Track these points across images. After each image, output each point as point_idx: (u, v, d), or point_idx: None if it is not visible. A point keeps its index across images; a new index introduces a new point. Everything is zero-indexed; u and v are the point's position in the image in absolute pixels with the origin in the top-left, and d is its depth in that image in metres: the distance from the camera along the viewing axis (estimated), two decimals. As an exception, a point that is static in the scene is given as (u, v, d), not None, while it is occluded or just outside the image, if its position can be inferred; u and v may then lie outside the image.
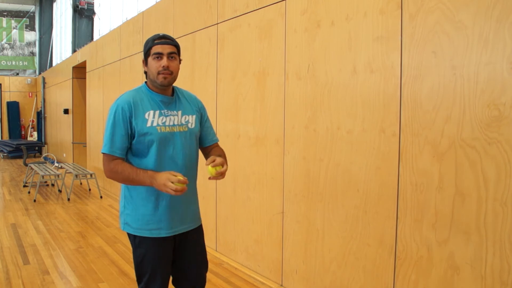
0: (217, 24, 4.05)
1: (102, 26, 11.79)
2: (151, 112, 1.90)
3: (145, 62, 1.96)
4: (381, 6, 2.44)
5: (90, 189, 7.74)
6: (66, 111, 10.81)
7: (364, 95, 2.56)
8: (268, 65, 3.35)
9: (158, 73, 1.89)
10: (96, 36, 12.14)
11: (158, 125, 1.89)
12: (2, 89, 15.77)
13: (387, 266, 2.43)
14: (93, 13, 13.04)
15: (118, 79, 6.89)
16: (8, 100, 15.78)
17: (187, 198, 2.00)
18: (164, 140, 1.90)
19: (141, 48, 5.89)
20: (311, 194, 2.96)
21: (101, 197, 7.05)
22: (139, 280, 1.99)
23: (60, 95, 11.72)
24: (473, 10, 2.00)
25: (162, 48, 1.88)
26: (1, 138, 15.74)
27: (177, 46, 1.94)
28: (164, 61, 1.87)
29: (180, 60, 1.97)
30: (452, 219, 2.10)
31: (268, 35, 3.36)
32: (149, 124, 1.88)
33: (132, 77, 6.28)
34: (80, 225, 5.24)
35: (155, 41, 1.90)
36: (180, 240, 2.03)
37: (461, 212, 2.07)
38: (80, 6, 13.08)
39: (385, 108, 2.43)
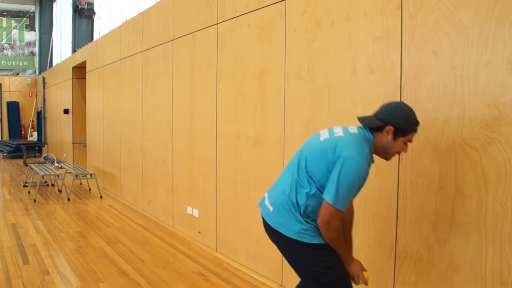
0: (217, 24, 4.05)
1: (102, 26, 11.79)
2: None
3: (395, 134, 1.86)
4: (381, 6, 2.44)
5: (90, 189, 7.75)
6: (66, 111, 10.81)
7: (364, 95, 2.56)
8: (268, 65, 3.35)
9: (393, 154, 1.92)
10: (96, 36, 12.15)
11: None
12: (2, 89, 15.77)
13: (387, 266, 2.43)
14: (93, 13, 13.04)
15: (118, 79, 6.89)
16: (8, 100, 15.78)
17: None
18: None
19: (141, 48, 5.89)
20: (311, 194, 2.96)
21: (101, 197, 7.05)
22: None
23: (60, 95, 11.72)
24: (473, 10, 2.00)
25: (413, 137, 1.92)
26: (1, 138, 15.74)
27: None
28: (407, 148, 1.92)
29: None
30: (452, 219, 2.10)
31: (268, 35, 3.35)
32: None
33: (132, 77, 6.28)
34: (80, 225, 5.24)
35: (416, 127, 1.89)
36: None
37: (461, 212, 2.07)
38: (80, 6, 13.08)
39: (385, 108, 2.43)
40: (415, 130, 1.88)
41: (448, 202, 2.11)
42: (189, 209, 4.63)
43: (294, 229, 1.91)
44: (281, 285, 3.27)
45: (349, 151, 1.79)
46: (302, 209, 1.91)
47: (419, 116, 2.25)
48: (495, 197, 1.93)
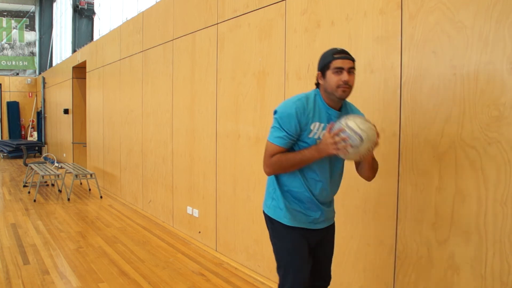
0: (217, 24, 4.05)
1: (102, 26, 11.78)
2: (317, 124, 1.93)
3: (322, 75, 1.94)
4: (381, 6, 2.44)
5: (90, 189, 7.75)
6: (66, 111, 10.81)
7: (364, 95, 2.56)
8: (268, 65, 3.35)
9: (338, 87, 1.89)
10: (96, 36, 12.14)
11: (319, 138, 1.92)
12: (2, 89, 15.76)
13: (387, 266, 2.43)
14: (93, 13, 13.03)
15: (118, 79, 6.89)
16: (8, 100, 15.78)
17: (328, 202, 2.09)
18: None
19: (141, 48, 5.89)
20: (311, 194, 2.96)
21: (101, 197, 7.05)
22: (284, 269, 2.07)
23: (60, 95, 11.72)
24: (473, 10, 2.00)
25: (343, 63, 1.89)
26: (1, 138, 15.74)
27: (354, 61, 1.96)
28: (345, 76, 1.88)
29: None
30: (452, 219, 2.10)
31: (268, 35, 3.35)
32: (311, 135, 1.92)
33: (132, 77, 6.28)
34: (80, 225, 5.24)
35: (335, 56, 1.91)
36: (322, 236, 2.10)
37: (461, 212, 2.07)
38: (80, 6, 13.07)
39: (385, 108, 2.43)
40: (333, 58, 1.90)
41: (448, 202, 2.11)
42: (189, 209, 4.63)
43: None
44: (281, 285, 3.27)
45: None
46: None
47: (419, 116, 2.25)
48: (495, 197, 1.93)
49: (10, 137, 15.60)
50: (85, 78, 9.10)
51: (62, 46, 15.32)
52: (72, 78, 10.35)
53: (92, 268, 3.74)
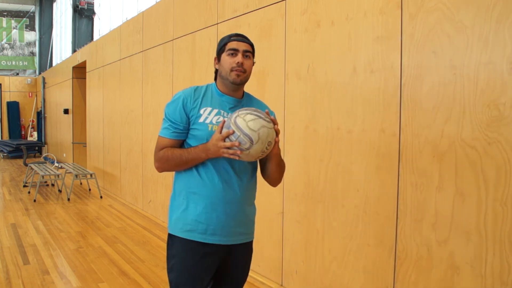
0: (217, 24, 4.05)
1: (102, 26, 11.78)
2: (208, 109, 1.79)
3: (218, 59, 1.84)
4: (381, 6, 2.44)
5: (90, 189, 7.75)
6: (66, 111, 10.82)
7: (364, 95, 2.56)
8: (268, 65, 3.35)
9: (231, 70, 1.77)
10: (96, 36, 12.14)
11: (211, 122, 1.77)
12: (2, 89, 15.77)
13: (387, 266, 2.43)
14: (93, 13, 13.03)
15: (118, 79, 6.89)
16: (8, 100, 15.79)
17: (235, 205, 1.82)
18: None
19: (141, 48, 5.89)
20: (311, 194, 2.96)
21: (101, 197, 7.05)
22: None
23: (60, 95, 11.72)
24: (473, 10, 2.00)
25: (238, 45, 1.79)
26: (1, 138, 15.74)
27: (252, 46, 1.86)
28: (239, 58, 1.77)
29: (253, 62, 1.87)
30: (452, 219, 2.10)
31: (268, 35, 3.35)
32: (201, 119, 1.78)
33: (132, 77, 6.28)
34: (80, 225, 5.24)
35: (232, 38, 1.82)
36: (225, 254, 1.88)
37: (461, 212, 2.07)
38: (80, 6, 13.08)
39: (385, 108, 2.43)
40: (230, 40, 1.81)
41: (448, 202, 2.11)
42: (189, 209, 4.63)
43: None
44: (281, 285, 3.27)
45: None
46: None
47: (419, 116, 2.25)
48: (495, 197, 1.93)
49: (10, 137, 15.61)
50: (85, 78, 9.11)
51: (62, 46, 15.33)
52: (72, 78, 10.35)
53: (92, 268, 3.74)
